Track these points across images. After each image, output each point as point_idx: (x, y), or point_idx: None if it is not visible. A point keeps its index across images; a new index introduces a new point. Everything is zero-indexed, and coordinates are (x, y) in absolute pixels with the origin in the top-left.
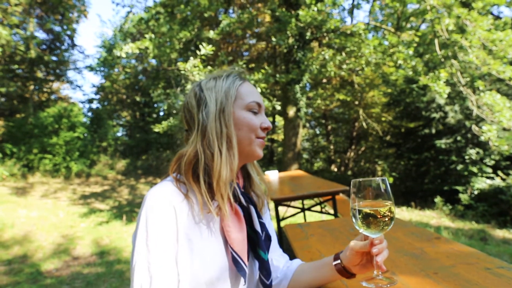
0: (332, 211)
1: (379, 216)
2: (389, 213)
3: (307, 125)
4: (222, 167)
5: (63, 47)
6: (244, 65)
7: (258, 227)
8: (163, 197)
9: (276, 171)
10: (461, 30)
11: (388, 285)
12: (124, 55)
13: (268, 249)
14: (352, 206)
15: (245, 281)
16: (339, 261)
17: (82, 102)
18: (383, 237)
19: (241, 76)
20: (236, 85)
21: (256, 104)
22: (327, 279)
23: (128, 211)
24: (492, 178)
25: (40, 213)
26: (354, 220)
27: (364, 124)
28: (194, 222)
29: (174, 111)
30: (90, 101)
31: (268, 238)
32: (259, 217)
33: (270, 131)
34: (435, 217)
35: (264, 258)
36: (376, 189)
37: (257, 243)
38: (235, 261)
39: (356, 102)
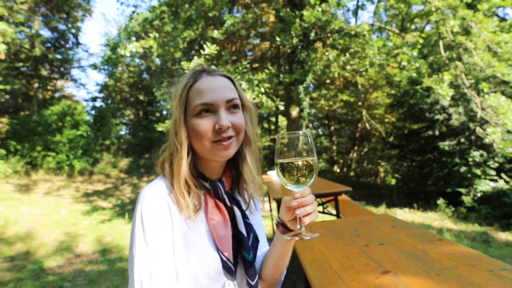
0: (334, 212)
1: (297, 167)
2: (307, 164)
3: (310, 125)
4: (175, 174)
5: (67, 46)
6: (248, 65)
7: (242, 228)
8: (156, 192)
9: None
10: (466, 31)
11: (309, 237)
12: (128, 54)
13: (255, 250)
14: (275, 160)
15: (234, 276)
16: (278, 219)
17: (86, 100)
18: (307, 191)
19: (195, 74)
20: (186, 89)
21: (201, 105)
22: (282, 247)
23: (131, 209)
24: (496, 181)
25: (43, 211)
26: (276, 174)
27: (367, 125)
28: (186, 216)
29: None
30: (94, 99)
31: (256, 238)
32: (245, 217)
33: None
34: (438, 219)
35: (247, 259)
36: (299, 144)
37: (241, 243)
38: (223, 263)
39: (360, 103)
